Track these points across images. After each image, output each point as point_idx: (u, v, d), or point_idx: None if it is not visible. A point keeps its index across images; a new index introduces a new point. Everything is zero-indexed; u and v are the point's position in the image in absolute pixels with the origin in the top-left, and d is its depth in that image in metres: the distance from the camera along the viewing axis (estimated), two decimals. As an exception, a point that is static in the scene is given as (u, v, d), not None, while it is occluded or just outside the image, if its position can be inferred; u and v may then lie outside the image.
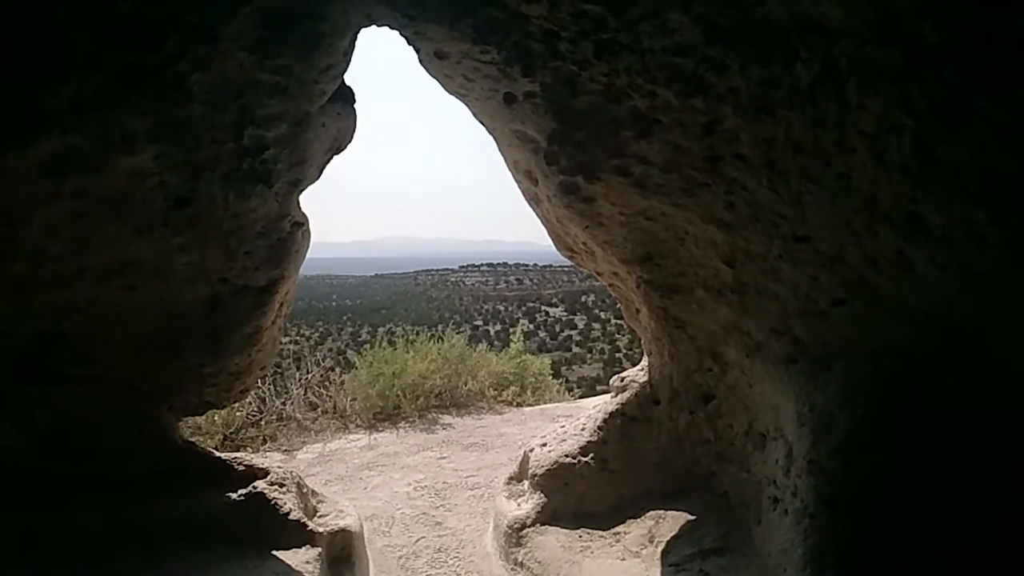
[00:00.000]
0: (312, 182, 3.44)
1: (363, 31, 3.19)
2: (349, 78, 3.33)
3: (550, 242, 4.40)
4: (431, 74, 3.45)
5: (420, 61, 3.38)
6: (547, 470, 4.29)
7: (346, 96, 3.39)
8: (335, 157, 3.57)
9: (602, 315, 57.90)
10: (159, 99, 2.71)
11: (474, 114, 3.69)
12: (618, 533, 3.95)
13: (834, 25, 2.29)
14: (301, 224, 3.51)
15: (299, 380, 7.92)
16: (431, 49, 3.23)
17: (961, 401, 2.71)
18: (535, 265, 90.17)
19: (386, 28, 3.22)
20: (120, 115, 2.68)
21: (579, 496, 4.22)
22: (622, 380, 4.53)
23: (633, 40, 2.72)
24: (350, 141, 3.56)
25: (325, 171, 3.55)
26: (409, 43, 3.28)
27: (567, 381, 11.63)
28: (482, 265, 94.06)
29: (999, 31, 2.04)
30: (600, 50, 2.82)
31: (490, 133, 3.82)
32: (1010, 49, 2.05)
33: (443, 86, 3.52)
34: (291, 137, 3.11)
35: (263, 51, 2.82)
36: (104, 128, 2.67)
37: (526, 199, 4.18)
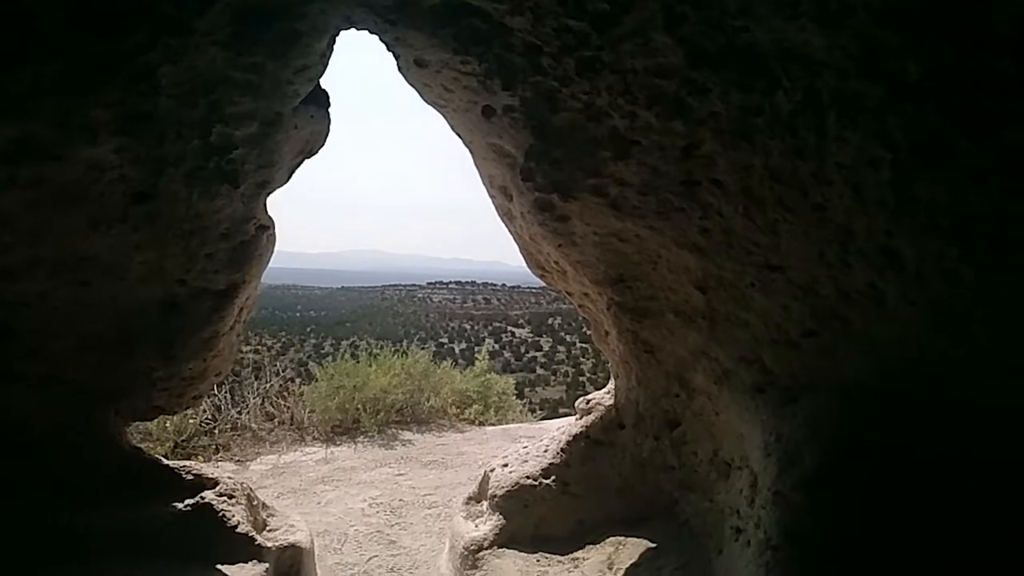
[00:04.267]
0: (280, 185, 3.37)
1: (343, 35, 3.13)
2: (327, 84, 3.28)
3: (519, 262, 4.36)
4: (410, 82, 3.40)
5: (399, 68, 3.32)
6: (507, 491, 4.20)
7: (320, 99, 3.32)
8: (306, 164, 3.50)
9: (568, 338, 58.10)
10: (125, 90, 2.61)
11: (451, 126, 3.64)
12: (577, 559, 3.87)
13: (817, 55, 2.29)
14: (266, 228, 3.43)
15: (257, 390, 7.78)
16: (411, 56, 3.17)
17: (928, 440, 2.70)
18: (503, 285, 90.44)
19: (366, 33, 3.16)
20: (82, 104, 2.57)
21: (538, 519, 4.13)
22: (588, 402, 4.48)
23: (616, 59, 2.70)
24: (322, 145, 3.49)
25: (295, 179, 3.50)
26: (389, 49, 3.22)
27: (530, 402, 11.62)
28: (450, 283, 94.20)
29: (983, 74, 2.04)
30: (582, 67, 2.79)
31: (466, 146, 3.77)
32: (992, 92, 2.05)
33: (421, 95, 3.47)
34: (261, 137, 3.03)
35: (237, 47, 2.74)
36: (65, 116, 2.57)
37: (499, 215, 4.13)
